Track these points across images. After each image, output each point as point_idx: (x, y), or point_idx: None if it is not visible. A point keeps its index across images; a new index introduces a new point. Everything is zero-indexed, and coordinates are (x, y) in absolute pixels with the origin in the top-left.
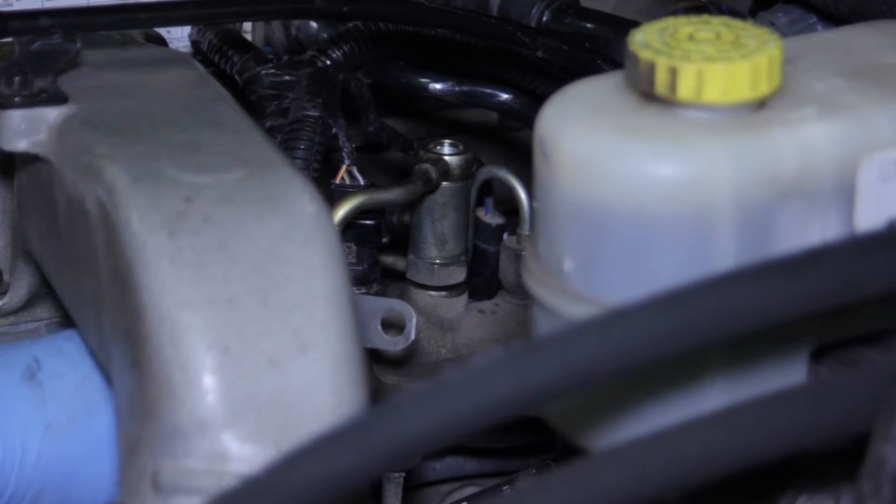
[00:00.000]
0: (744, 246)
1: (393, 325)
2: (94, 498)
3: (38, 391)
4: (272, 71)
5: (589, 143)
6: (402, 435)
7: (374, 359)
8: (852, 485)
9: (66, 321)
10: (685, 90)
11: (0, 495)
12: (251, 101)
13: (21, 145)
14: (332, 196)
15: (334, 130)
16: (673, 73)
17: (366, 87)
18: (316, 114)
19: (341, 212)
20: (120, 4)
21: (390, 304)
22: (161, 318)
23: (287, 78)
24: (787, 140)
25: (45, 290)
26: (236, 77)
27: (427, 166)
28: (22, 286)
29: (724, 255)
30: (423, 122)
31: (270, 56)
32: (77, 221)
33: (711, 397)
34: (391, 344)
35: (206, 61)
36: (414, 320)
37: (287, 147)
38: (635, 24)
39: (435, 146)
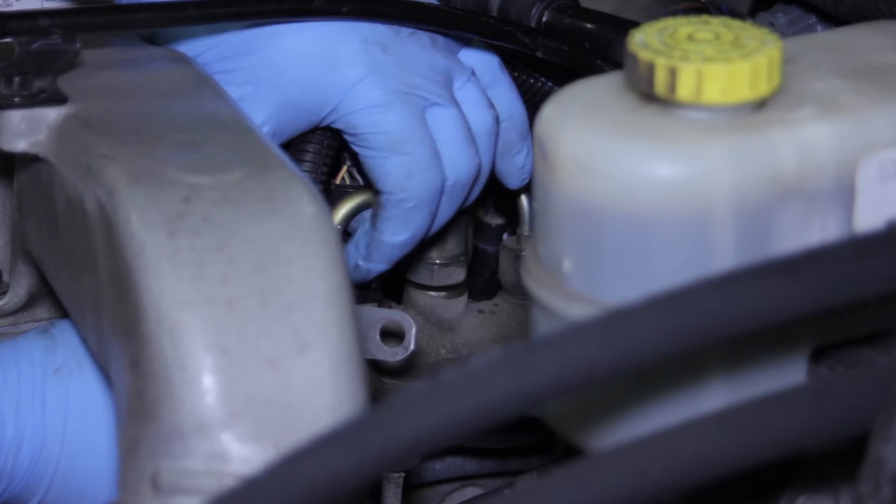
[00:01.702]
0: (743, 246)
1: (392, 335)
2: (94, 454)
3: (50, 340)
4: None
5: (588, 144)
6: (402, 435)
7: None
8: (851, 485)
9: None
10: (684, 90)
11: (4, 429)
12: None
13: (20, 146)
14: (332, 196)
15: None
16: (672, 74)
17: None
18: None
19: (341, 211)
20: (120, 4)
21: (390, 315)
22: (160, 319)
23: None
24: (786, 140)
25: (45, 291)
26: None
27: None
28: (22, 286)
29: (724, 256)
30: None
31: None
32: (76, 222)
33: (711, 397)
34: (390, 354)
35: None
36: (413, 330)
37: (296, 150)
38: (635, 24)
39: None
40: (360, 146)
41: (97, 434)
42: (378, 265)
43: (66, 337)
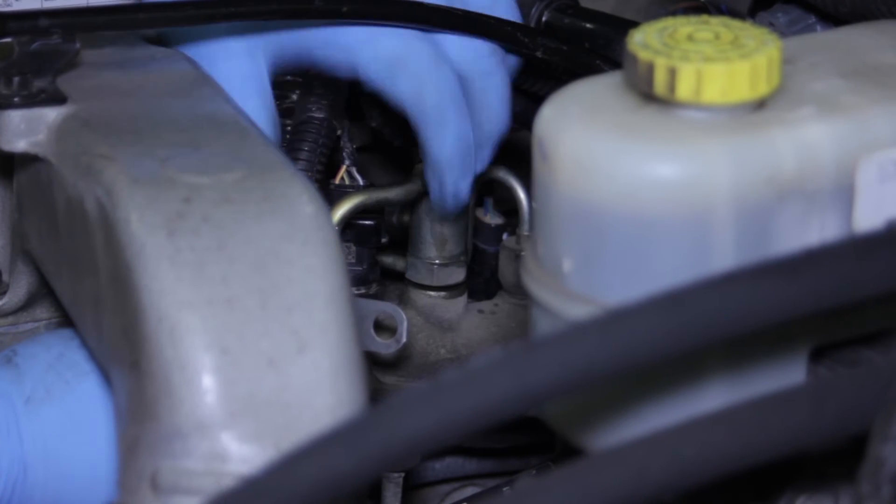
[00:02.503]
0: (743, 246)
1: (385, 328)
2: (82, 469)
3: (15, 370)
4: None
5: (588, 144)
6: (401, 435)
7: (373, 359)
8: (851, 485)
9: (66, 321)
10: (684, 90)
11: None
12: None
13: (20, 146)
14: (331, 196)
15: (339, 132)
16: (672, 74)
17: None
18: (321, 116)
19: (340, 211)
20: (120, 4)
21: (382, 307)
22: (160, 319)
23: (287, 77)
24: (786, 140)
25: (45, 291)
26: None
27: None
28: (21, 286)
29: (723, 256)
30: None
31: None
32: (76, 222)
33: (710, 397)
34: (383, 347)
35: None
36: (405, 324)
37: (291, 149)
38: (635, 24)
39: None
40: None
41: (85, 451)
42: (452, 186)
43: (30, 364)
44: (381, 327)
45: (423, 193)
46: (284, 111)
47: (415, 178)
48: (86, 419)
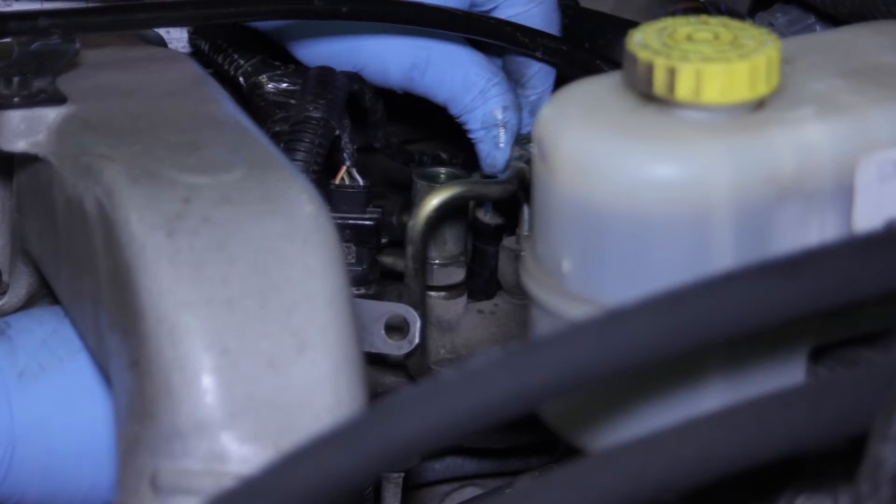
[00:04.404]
0: (742, 246)
1: (396, 329)
2: (72, 445)
3: (8, 344)
4: (279, 76)
5: (587, 144)
6: (401, 435)
7: (374, 360)
8: (850, 485)
9: None
10: (683, 90)
11: None
12: (258, 107)
13: (20, 146)
14: (331, 196)
15: (338, 132)
16: (671, 74)
17: (380, 102)
18: (318, 115)
19: (437, 199)
20: (119, 4)
21: (394, 308)
22: (160, 319)
23: (293, 88)
24: (785, 140)
25: (45, 291)
26: (241, 80)
27: (523, 166)
28: (21, 286)
29: (723, 256)
30: (422, 123)
31: (277, 63)
32: (76, 222)
33: (710, 398)
34: (395, 348)
35: (206, 60)
36: (418, 324)
37: (288, 148)
38: (634, 24)
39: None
40: None
41: (76, 427)
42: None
43: (24, 339)
44: (392, 329)
45: (515, 193)
46: (287, 119)
47: (512, 177)
48: (77, 396)
